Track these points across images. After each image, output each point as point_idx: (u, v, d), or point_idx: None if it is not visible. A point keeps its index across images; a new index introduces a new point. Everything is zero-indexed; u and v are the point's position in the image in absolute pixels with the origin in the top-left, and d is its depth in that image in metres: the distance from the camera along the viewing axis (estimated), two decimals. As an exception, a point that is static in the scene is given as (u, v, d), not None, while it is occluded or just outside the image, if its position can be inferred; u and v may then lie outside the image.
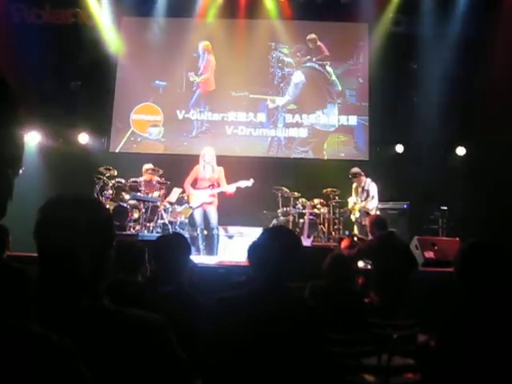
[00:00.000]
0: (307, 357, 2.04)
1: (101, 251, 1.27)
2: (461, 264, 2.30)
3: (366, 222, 6.49)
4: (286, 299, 2.17)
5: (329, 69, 10.62)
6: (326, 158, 10.37)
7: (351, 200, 8.33)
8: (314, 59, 10.64)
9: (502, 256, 2.23)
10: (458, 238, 7.12)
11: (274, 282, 2.15)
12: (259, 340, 2.02)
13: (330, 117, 10.49)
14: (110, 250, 1.29)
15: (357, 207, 8.14)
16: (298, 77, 10.64)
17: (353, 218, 8.27)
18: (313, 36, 10.57)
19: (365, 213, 7.91)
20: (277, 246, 2.20)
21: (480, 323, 2.13)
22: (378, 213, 7.92)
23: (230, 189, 7.83)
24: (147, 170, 8.38)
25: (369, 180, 8.16)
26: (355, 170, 8.31)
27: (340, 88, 10.56)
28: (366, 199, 8.02)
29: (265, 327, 2.03)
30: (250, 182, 7.87)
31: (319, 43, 10.60)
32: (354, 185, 8.31)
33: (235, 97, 10.50)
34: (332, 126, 10.48)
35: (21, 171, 0.94)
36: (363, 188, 8.13)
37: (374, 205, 7.96)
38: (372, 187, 8.06)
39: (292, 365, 2.00)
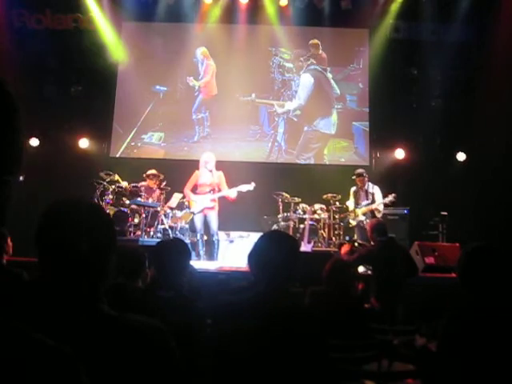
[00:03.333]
0: (309, 362, 2.03)
1: (103, 256, 1.27)
2: (464, 267, 2.30)
3: (367, 227, 6.49)
4: (287, 305, 2.16)
5: (328, 74, 10.64)
6: (327, 163, 10.37)
7: (350, 204, 8.26)
8: (315, 64, 10.65)
9: (504, 259, 2.23)
10: (458, 244, 7.12)
11: (274, 286, 2.15)
12: (260, 345, 2.01)
13: (331, 121, 10.50)
14: (111, 254, 1.29)
15: (359, 211, 8.07)
16: (307, 79, 10.62)
17: (353, 222, 8.19)
18: (315, 41, 10.59)
19: (371, 216, 7.85)
20: (275, 249, 2.20)
21: (482, 328, 2.12)
22: (379, 217, 7.88)
23: (232, 193, 7.84)
24: (148, 175, 8.38)
25: (371, 183, 8.13)
26: (361, 170, 8.27)
27: (338, 92, 10.57)
28: (373, 203, 7.95)
29: (266, 332, 2.03)
30: (251, 186, 7.88)
31: (321, 51, 10.62)
32: (354, 188, 8.23)
33: (236, 102, 10.51)
34: (333, 131, 10.48)
35: (21, 178, 0.94)
36: (366, 191, 8.06)
37: (382, 207, 7.96)
38: (376, 190, 8.02)
39: (294, 371, 2.00)
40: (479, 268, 2.22)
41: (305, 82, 10.62)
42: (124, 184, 8.39)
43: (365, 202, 8.04)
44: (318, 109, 10.54)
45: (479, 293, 2.21)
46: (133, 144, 10.49)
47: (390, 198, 7.87)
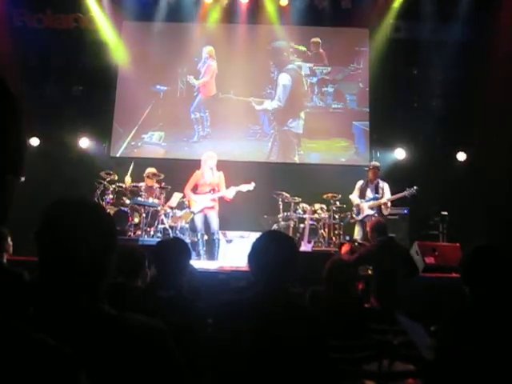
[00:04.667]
0: (308, 362, 2.03)
1: (103, 255, 1.27)
2: (466, 267, 2.30)
3: (366, 226, 6.47)
4: (287, 304, 2.16)
5: (303, 72, 10.64)
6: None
7: (354, 198, 8.07)
8: (292, 62, 10.66)
9: (507, 260, 2.23)
10: (458, 244, 7.12)
11: (273, 286, 2.15)
12: (259, 345, 2.01)
13: (300, 121, 10.51)
14: (112, 253, 1.29)
15: (365, 205, 7.88)
16: (286, 79, 10.61)
17: (357, 217, 8.01)
18: (316, 40, 10.59)
19: (378, 211, 7.78)
20: (274, 249, 2.20)
21: (483, 328, 2.12)
22: (386, 213, 7.81)
23: (230, 193, 7.84)
24: (148, 174, 8.37)
25: (380, 179, 8.03)
26: (378, 163, 8.17)
27: (306, 88, 10.59)
28: (382, 197, 7.84)
29: (266, 333, 2.03)
30: (251, 186, 7.88)
31: (321, 50, 10.62)
32: (361, 182, 8.10)
33: (236, 101, 10.52)
34: (301, 130, 10.49)
35: (22, 178, 0.94)
36: (377, 185, 7.92)
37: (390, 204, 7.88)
38: (386, 187, 7.90)
39: (293, 371, 2.00)
40: (482, 268, 2.22)
41: (284, 82, 10.61)
42: (128, 181, 8.39)
43: (373, 196, 7.90)
44: (290, 109, 10.56)
45: (481, 292, 2.21)
46: (133, 143, 10.49)
47: (410, 191, 7.67)
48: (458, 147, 9.99)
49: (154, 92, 10.60)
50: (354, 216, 8.16)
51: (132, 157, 10.28)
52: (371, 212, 7.83)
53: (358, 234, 7.88)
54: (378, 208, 7.83)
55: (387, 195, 7.87)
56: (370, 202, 7.90)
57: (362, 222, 7.88)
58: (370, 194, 7.96)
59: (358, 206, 8.04)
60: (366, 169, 8.15)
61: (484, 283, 2.20)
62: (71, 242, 1.21)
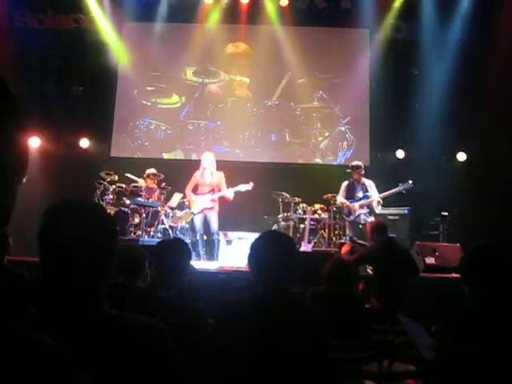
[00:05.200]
0: (308, 362, 2.03)
1: (104, 255, 1.27)
2: (466, 267, 2.30)
3: (366, 226, 6.46)
4: (287, 304, 2.17)
5: None
6: (321, 162, 10.38)
7: (343, 199, 7.87)
8: None
9: (507, 260, 2.23)
10: (458, 244, 7.11)
11: (273, 286, 2.15)
12: (260, 345, 2.01)
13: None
14: (112, 254, 1.29)
15: (356, 204, 7.69)
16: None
17: (351, 218, 7.84)
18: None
19: (368, 210, 7.65)
20: (272, 249, 2.21)
21: (483, 328, 2.12)
22: (378, 209, 7.72)
23: (229, 193, 7.82)
24: (148, 175, 8.38)
25: (364, 178, 7.86)
26: (359, 162, 7.96)
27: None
28: (370, 196, 7.77)
29: (266, 333, 2.03)
30: (249, 186, 7.86)
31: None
32: (346, 183, 7.92)
33: (237, 101, 10.53)
34: None
35: (24, 180, 0.94)
36: (363, 184, 7.77)
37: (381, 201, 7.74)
38: (371, 184, 7.76)
39: (293, 371, 2.00)
40: (482, 268, 2.22)
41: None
42: (140, 182, 8.39)
43: (363, 195, 7.73)
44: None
45: (481, 293, 2.21)
46: (133, 143, 10.49)
47: (405, 185, 7.48)
48: (458, 147, 9.98)
49: (154, 92, 10.60)
50: (344, 217, 8.05)
51: (133, 157, 10.30)
52: (363, 211, 7.69)
53: (349, 233, 7.79)
54: (368, 207, 7.72)
55: (375, 193, 7.74)
56: (361, 201, 7.72)
57: (354, 223, 7.77)
58: (359, 193, 7.76)
59: (348, 206, 7.81)
60: (349, 170, 7.93)
61: (484, 283, 2.20)
62: (72, 242, 1.21)
